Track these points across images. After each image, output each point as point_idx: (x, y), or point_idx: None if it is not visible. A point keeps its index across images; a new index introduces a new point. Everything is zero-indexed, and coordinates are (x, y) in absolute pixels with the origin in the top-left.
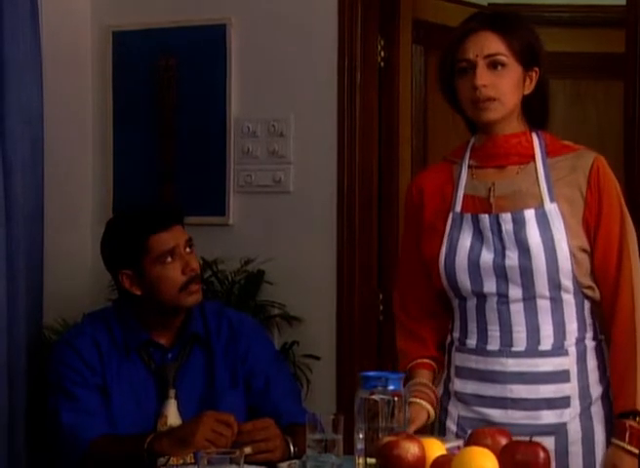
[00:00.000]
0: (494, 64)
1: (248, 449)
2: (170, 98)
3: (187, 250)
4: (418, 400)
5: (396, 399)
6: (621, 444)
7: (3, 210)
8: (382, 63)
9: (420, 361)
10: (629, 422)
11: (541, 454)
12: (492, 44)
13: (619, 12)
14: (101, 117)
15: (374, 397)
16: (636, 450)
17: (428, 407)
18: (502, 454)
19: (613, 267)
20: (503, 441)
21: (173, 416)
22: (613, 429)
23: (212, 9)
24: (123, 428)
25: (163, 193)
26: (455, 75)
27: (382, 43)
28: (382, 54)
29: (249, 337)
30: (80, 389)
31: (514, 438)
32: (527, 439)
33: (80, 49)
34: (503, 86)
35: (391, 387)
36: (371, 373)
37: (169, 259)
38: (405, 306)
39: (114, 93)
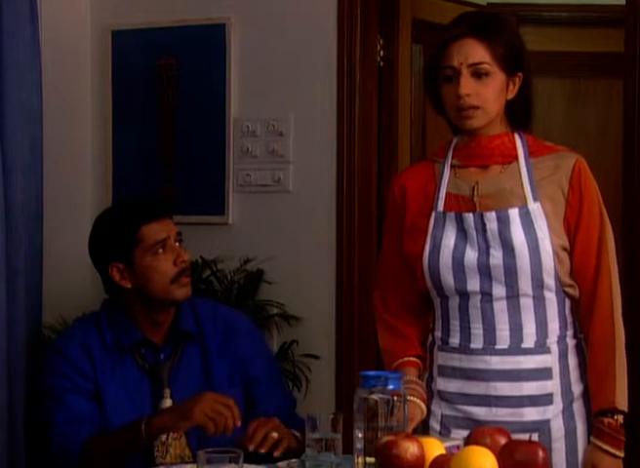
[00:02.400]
0: (477, 74)
1: (275, 434)
2: (170, 98)
3: (177, 244)
4: (412, 398)
5: (395, 398)
6: (600, 443)
7: (2, 210)
8: (382, 63)
9: (406, 359)
10: (608, 420)
11: (541, 454)
12: (476, 53)
13: (618, 11)
14: (101, 117)
15: (373, 396)
16: (614, 450)
17: (422, 404)
18: (502, 454)
19: (592, 267)
20: (503, 440)
21: None
22: (592, 427)
23: (212, 9)
24: None
25: (163, 193)
26: (440, 81)
27: (382, 42)
28: (382, 53)
29: (245, 339)
30: (72, 395)
31: None
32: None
33: (79, 48)
34: (487, 94)
35: (390, 386)
36: (370, 373)
37: (160, 250)
38: (387, 305)
39: (114, 92)
